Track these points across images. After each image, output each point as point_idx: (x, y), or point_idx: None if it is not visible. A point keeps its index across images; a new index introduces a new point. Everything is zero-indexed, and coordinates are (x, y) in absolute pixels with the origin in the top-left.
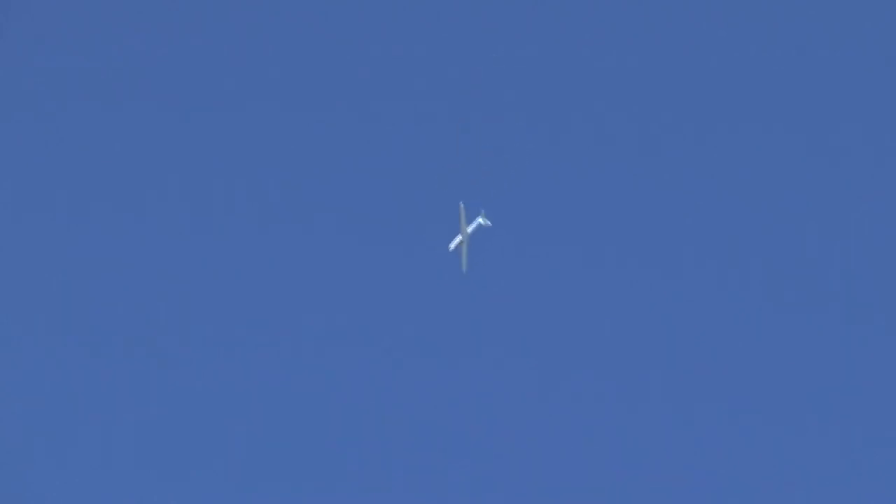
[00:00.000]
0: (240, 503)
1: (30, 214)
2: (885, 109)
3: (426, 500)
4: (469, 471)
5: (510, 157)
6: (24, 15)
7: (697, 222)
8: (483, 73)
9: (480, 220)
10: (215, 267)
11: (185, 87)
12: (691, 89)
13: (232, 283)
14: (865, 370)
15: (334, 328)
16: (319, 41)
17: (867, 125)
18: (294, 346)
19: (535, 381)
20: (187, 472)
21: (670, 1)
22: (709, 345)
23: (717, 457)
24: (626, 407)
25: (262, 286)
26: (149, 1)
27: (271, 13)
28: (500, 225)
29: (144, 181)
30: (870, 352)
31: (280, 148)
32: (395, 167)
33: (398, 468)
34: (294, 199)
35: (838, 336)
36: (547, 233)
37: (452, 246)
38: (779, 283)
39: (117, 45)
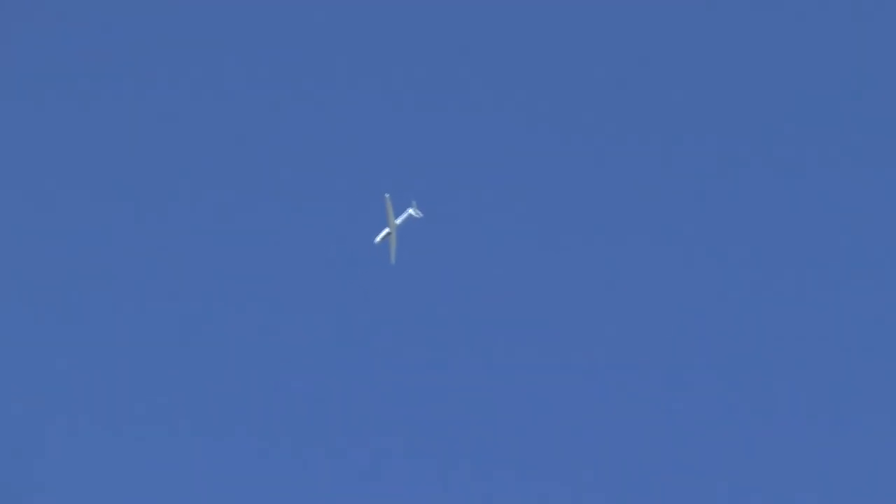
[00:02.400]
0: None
1: (28, 213)
2: (885, 110)
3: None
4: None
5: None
6: (22, 12)
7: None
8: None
9: (411, 210)
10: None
11: (179, 84)
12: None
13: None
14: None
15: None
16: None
17: (867, 126)
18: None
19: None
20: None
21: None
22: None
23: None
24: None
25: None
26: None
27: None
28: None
29: (142, 179)
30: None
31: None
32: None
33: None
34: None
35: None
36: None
37: (378, 239)
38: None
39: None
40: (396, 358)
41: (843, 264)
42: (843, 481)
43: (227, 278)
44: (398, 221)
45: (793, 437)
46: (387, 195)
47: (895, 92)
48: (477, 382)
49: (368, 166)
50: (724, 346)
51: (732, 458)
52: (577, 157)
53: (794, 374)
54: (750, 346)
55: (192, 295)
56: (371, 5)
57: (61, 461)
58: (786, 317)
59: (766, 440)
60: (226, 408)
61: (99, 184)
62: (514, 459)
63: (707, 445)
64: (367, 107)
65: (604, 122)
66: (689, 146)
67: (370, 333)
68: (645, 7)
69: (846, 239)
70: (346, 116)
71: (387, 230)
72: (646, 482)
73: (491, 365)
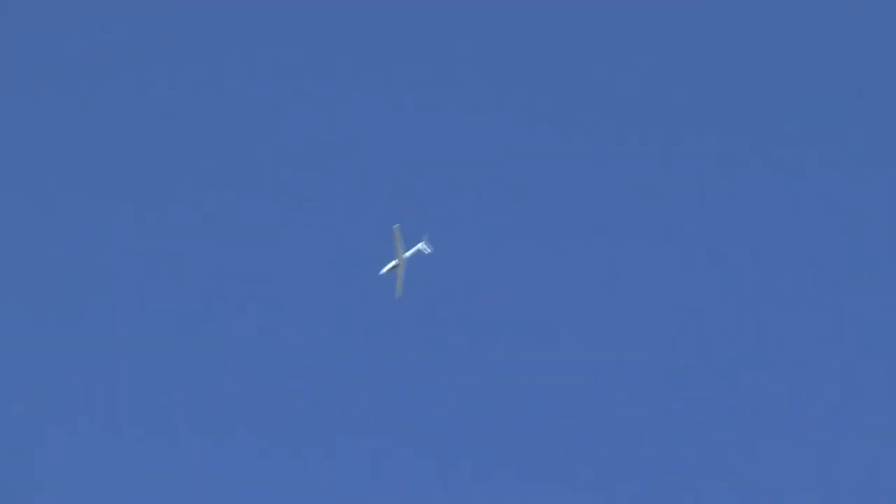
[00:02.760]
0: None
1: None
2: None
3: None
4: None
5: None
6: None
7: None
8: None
9: (421, 245)
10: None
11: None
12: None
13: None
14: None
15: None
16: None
17: (867, 126)
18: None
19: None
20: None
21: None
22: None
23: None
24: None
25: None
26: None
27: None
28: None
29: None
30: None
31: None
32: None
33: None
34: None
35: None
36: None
37: (385, 270)
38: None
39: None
40: (396, 358)
41: (843, 264)
42: (844, 481)
43: (227, 278)
44: (407, 255)
45: (793, 437)
46: (396, 226)
47: (895, 92)
48: (477, 382)
49: (369, 166)
50: (724, 346)
51: (732, 458)
52: (577, 157)
53: (794, 374)
54: (750, 346)
55: (192, 295)
56: (371, 5)
57: (61, 461)
58: (786, 317)
59: (766, 440)
60: (226, 408)
61: (99, 184)
62: (514, 459)
63: (707, 445)
64: (367, 107)
65: (604, 122)
66: (689, 146)
67: (370, 333)
68: (645, 7)
69: (846, 239)
70: (346, 116)
71: (394, 262)
72: (646, 482)
73: (491, 365)
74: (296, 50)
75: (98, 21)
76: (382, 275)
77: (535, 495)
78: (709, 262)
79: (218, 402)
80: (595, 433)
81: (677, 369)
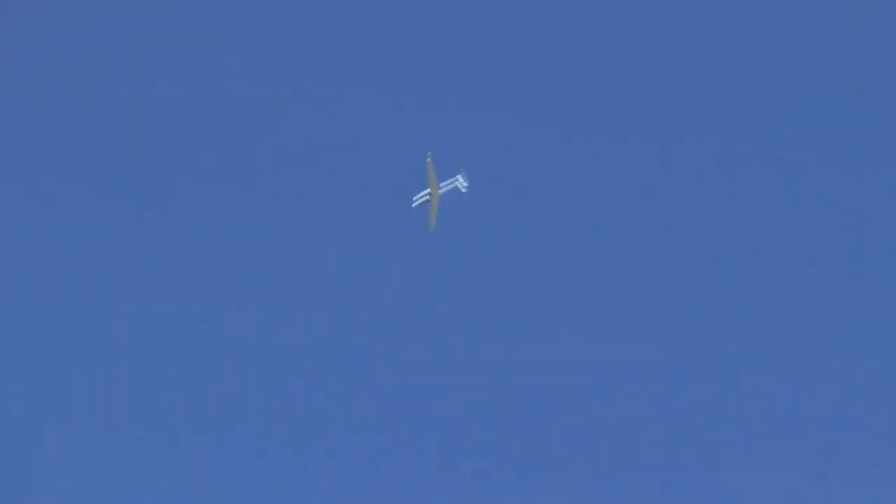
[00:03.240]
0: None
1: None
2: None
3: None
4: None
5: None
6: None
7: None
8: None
9: (460, 177)
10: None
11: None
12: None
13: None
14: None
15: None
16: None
17: (867, 126)
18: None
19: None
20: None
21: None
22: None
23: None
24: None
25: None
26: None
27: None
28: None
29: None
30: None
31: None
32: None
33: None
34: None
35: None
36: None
37: (416, 202)
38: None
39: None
40: (396, 358)
41: (843, 264)
42: (844, 481)
43: (227, 278)
44: (442, 190)
45: (793, 436)
46: (429, 153)
47: (895, 92)
48: (477, 382)
49: (369, 166)
50: (724, 346)
51: (732, 458)
52: (577, 157)
53: (794, 374)
54: (750, 346)
55: (192, 295)
56: (371, 5)
57: (61, 461)
58: (785, 316)
59: (766, 440)
60: (226, 408)
61: (99, 184)
62: (513, 459)
63: (707, 445)
64: (367, 107)
65: (604, 122)
66: (689, 146)
67: (370, 333)
68: (645, 7)
69: (846, 239)
70: (346, 116)
71: (427, 193)
72: (645, 482)
73: (491, 365)
74: (296, 50)
75: (98, 21)
76: (415, 207)
77: (535, 495)
78: (709, 261)
79: (218, 402)
80: (595, 433)
81: (677, 369)
